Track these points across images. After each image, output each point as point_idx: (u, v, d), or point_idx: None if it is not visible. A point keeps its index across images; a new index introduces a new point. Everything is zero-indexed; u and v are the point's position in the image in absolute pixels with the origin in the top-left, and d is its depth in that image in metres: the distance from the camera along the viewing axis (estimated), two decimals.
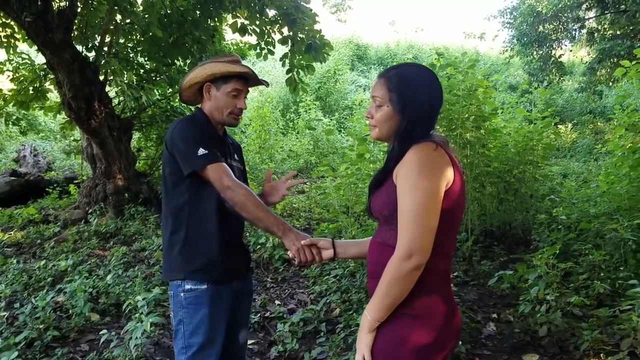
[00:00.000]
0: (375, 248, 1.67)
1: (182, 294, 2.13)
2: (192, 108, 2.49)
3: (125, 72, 7.69)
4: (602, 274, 4.14)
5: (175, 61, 7.65)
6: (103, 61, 7.05)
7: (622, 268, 4.20)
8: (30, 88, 7.72)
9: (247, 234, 5.97)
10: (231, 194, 2.01)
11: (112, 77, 7.37)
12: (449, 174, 1.50)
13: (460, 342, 3.34)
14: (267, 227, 2.01)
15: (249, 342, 3.67)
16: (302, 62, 6.60)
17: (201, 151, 2.04)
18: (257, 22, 6.51)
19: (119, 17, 7.31)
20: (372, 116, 1.65)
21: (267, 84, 2.46)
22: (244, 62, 2.35)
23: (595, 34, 15.77)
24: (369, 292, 1.68)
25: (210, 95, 2.23)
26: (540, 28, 16.35)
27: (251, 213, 2.00)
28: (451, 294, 1.63)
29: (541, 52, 16.76)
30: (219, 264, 2.16)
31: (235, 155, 2.41)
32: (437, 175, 1.47)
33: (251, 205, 2.00)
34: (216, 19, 7.31)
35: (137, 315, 3.43)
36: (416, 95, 1.57)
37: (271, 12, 6.41)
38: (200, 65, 2.25)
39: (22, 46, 7.98)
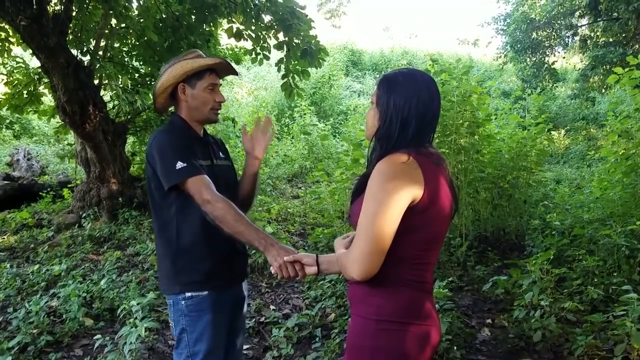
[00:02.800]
0: None
1: (183, 302, 2.11)
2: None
3: (120, 76, 7.66)
4: (595, 280, 4.17)
5: None
6: (98, 65, 7.03)
7: (615, 274, 4.23)
8: (25, 92, 7.67)
9: None
10: (210, 207, 1.97)
11: (106, 81, 7.36)
12: (416, 189, 1.46)
13: (455, 347, 3.35)
14: (249, 241, 1.96)
15: (244, 347, 3.66)
16: (297, 67, 6.61)
17: (179, 165, 2.01)
18: (253, 28, 6.51)
19: (114, 21, 7.30)
20: (366, 115, 1.68)
21: (236, 73, 2.41)
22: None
23: (588, 41, 15.89)
24: (348, 297, 1.69)
25: (186, 95, 2.19)
26: (534, 35, 16.46)
27: (231, 227, 1.95)
28: (430, 306, 1.60)
29: (534, 58, 16.86)
30: (216, 274, 2.15)
31: (221, 153, 2.37)
32: (396, 189, 1.43)
33: (231, 218, 1.95)
34: (211, 24, 7.31)
35: (131, 320, 3.42)
36: (393, 100, 1.55)
37: (267, 18, 6.42)
38: (168, 68, 2.20)
39: (17, 50, 7.95)
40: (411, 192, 1.45)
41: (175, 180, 2.01)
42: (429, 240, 1.55)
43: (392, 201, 1.43)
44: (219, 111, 2.27)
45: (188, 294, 2.10)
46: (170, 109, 2.39)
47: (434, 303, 1.65)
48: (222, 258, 2.17)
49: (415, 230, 1.49)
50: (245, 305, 2.41)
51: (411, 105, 1.54)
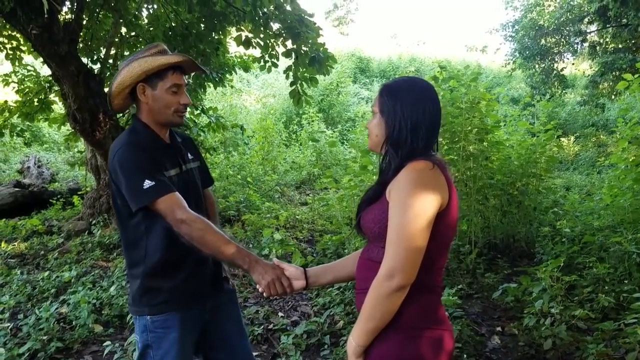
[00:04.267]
0: (363, 264, 1.65)
1: (148, 317, 1.99)
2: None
3: None
4: (606, 287, 4.13)
5: None
6: (108, 73, 7.09)
7: (626, 281, 4.20)
8: (35, 100, 7.76)
9: (251, 245, 5.98)
10: (186, 228, 1.83)
11: None
12: (443, 195, 1.48)
13: (465, 355, 3.33)
14: (231, 260, 1.85)
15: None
16: (305, 74, 6.62)
17: (147, 183, 1.83)
18: (261, 36, 6.54)
19: (124, 29, 7.37)
20: (368, 126, 1.68)
21: (204, 71, 2.23)
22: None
23: (597, 48, 15.84)
24: (357, 307, 1.66)
25: (146, 96, 1.98)
26: (542, 41, 16.44)
27: (211, 248, 1.84)
28: (443, 311, 1.61)
29: (543, 65, 16.84)
30: (183, 293, 2.02)
31: (189, 154, 2.19)
32: (429, 195, 1.44)
33: (210, 238, 1.83)
34: (220, 32, 7.35)
35: None
36: (400, 107, 1.55)
37: (275, 26, 6.45)
38: (125, 66, 1.98)
39: (28, 58, 8.04)
40: (440, 199, 1.47)
41: (145, 202, 1.85)
42: (445, 245, 1.58)
43: (425, 208, 1.44)
44: (184, 114, 2.07)
45: (155, 312, 1.99)
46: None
47: (443, 307, 1.65)
48: (190, 278, 2.03)
49: (439, 235, 1.50)
50: (232, 310, 2.26)
51: (419, 111, 1.55)
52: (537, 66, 16.94)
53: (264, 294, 1.83)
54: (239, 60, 8.65)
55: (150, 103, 1.99)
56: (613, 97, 15.45)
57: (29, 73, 7.79)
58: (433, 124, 1.58)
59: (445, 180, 1.51)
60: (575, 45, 17.38)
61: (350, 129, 15.82)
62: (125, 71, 1.96)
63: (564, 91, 18.21)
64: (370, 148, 1.69)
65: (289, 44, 6.45)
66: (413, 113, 1.55)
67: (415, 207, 1.43)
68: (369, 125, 1.67)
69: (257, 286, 1.84)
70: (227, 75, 8.27)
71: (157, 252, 1.97)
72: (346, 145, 13.73)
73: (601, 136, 16.71)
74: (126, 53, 7.89)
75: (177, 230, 1.85)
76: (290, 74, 6.62)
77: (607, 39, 15.35)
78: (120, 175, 1.89)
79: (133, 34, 7.43)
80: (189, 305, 2.04)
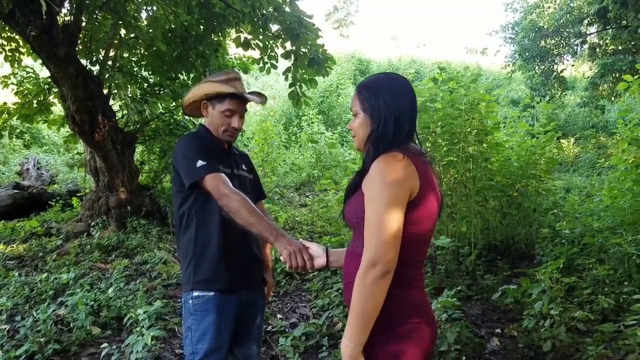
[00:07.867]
0: (347, 257, 1.69)
1: (190, 301, 2.20)
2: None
3: (129, 86, 7.73)
4: (606, 289, 4.12)
5: (179, 75, 7.69)
6: (107, 75, 7.09)
7: (626, 283, 4.18)
8: (35, 101, 7.76)
9: None
10: (226, 200, 2.05)
11: (116, 91, 7.41)
12: (412, 184, 1.50)
13: (464, 357, 3.32)
14: (260, 232, 2.01)
15: None
16: (304, 76, 6.61)
17: (199, 163, 2.10)
18: (261, 37, 6.53)
19: (123, 31, 7.37)
20: (352, 128, 1.71)
21: (260, 101, 2.45)
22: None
23: (597, 49, 15.83)
24: (345, 300, 1.69)
25: (207, 112, 2.32)
26: (542, 43, 16.42)
27: (244, 219, 2.02)
28: (423, 300, 1.63)
29: (543, 67, 16.82)
30: (224, 273, 2.20)
31: (243, 165, 2.46)
32: (398, 185, 1.47)
33: (244, 210, 2.02)
34: (220, 34, 7.35)
35: (138, 328, 3.42)
36: (383, 101, 1.59)
37: (274, 27, 6.44)
38: (198, 84, 2.34)
39: (27, 60, 8.04)
40: (408, 187, 1.50)
41: (196, 177, 2.10)
42: (422, 238, 1.59)
43: (395, 196, 1.47)
44: (235, 135, 2.35)
45: (195, 293, 2.19)
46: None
47: (425, 297, 1.68)
48: (235, 262, 2.23)
49: (411, 224, 1.52)
50: (259, 314, 2.42)
51: (400, 103, 1.60)
52: (537, 68, 16.92)
53: (286, 266, 1.92)
54: (238, 61, 8.64)
55: (209, 118, 2.33)
56: (613, 98, 15.44)
57: (28, 75, 7.79)
58: (413, 114, 1.64)
59: (416, 172, 1.52)
60: (575, 47, 17.36)
61: (350, 131, 15.78)
62: (195, 89, 2.33)
63: (563, 93, 18.19)
64: (358, 148, 1.72)
65: (288, 45, 6.45)
66: (395, 105, 1.59)
67: (385, 196, 1.46)
68: (352, 126, 1.71)
69: (280, 257, 1.95)
70: None
71: (206, 235, 2.20)
72: (346, 146, 13.74)
73: (601, 138, 16.69)
74: (125, 54, 7.90)
75: (220, 203, 2.07)
76: (290, 75, 6.61)
77: (607, 41, 15.34)
78: (180, 158, 2.19)
79: (132, 35, 7.43)
80: (228, 289, 2.22)
